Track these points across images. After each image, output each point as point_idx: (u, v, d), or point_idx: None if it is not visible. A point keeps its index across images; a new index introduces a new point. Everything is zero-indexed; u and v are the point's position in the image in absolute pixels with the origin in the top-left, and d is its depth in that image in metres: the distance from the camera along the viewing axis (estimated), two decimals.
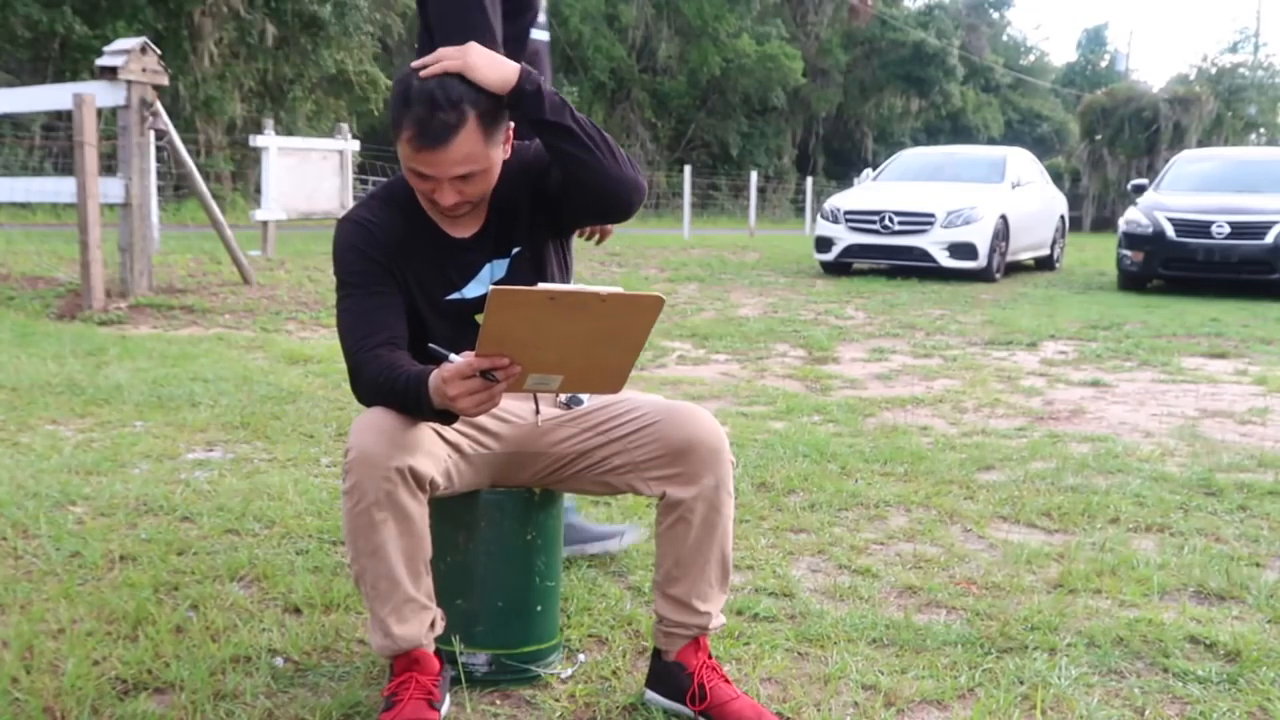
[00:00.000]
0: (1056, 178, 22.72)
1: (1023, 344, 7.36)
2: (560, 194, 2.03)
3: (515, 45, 2.49)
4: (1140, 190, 12.60)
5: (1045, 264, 14.87)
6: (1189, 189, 12.08)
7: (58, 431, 4.10)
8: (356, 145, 11.85)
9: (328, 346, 6.27)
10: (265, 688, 2.09)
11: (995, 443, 4.33)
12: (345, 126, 12.24)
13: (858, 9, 38.04)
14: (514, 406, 2.08)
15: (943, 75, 39.15)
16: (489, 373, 1.68)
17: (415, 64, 1.90)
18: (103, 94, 7.26)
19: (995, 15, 48.07)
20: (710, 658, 2.04)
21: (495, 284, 1.79)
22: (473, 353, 1.69)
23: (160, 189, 12.64)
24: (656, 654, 2.08)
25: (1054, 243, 14.88)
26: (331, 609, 2.48)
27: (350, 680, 2.13)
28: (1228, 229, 11.01)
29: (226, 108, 21.08)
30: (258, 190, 13.24)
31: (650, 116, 33.74)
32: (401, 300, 1.99)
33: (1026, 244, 13.67)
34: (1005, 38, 50.58)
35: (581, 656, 2.27)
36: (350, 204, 11.14)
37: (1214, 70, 41.22)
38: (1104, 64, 52.41)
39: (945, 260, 12.09)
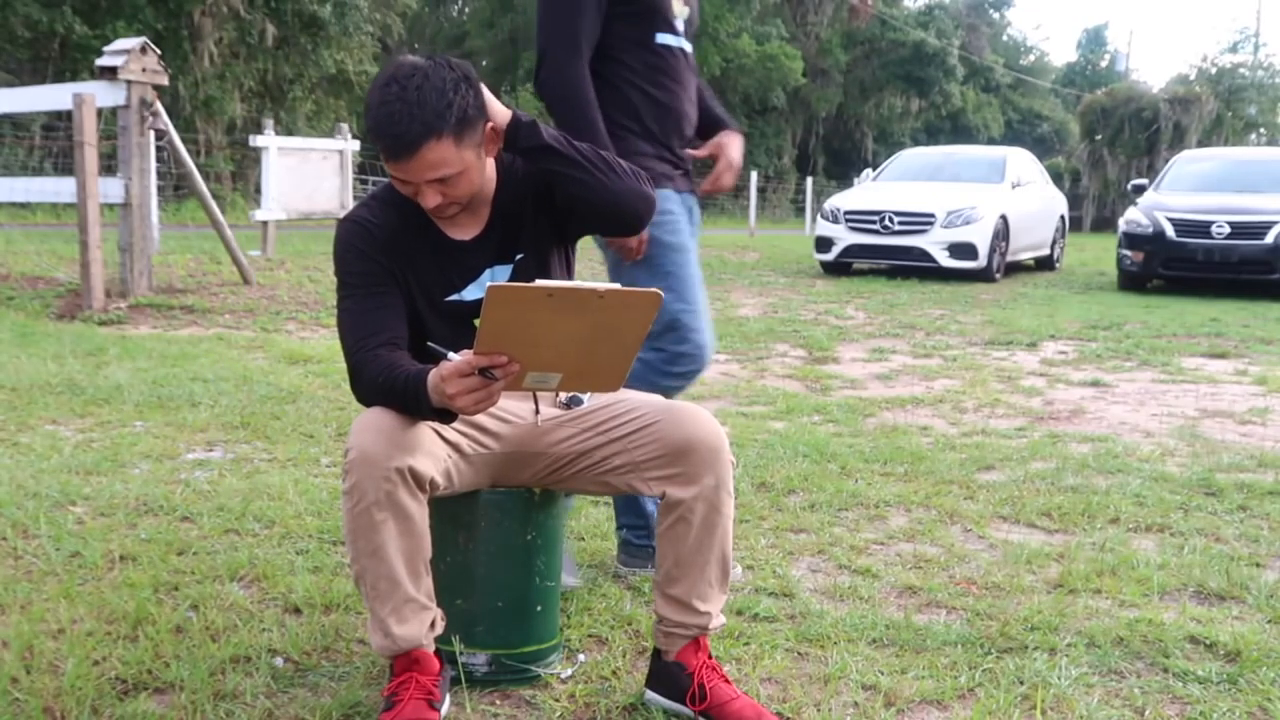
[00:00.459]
0: (1056, 178, 22.74)
1: (1023, 344, 7.36)
2: (567, 209, 2.04)
3: (639, 50, 2.49)
4: (1140, 190, 12.60)
5: (1045, 264, 14.87)
6: (1189, 189, 12.08)
7: (58, 431, 4.10)
8: (356, 145, 11.85)
9: (328, 346, 6.27)
10: (265, 688, 2.09)
11: (995, 443, 4.33)
12: (345, 126, 12.24)
13: (858, 9, 38.04)
14: (514, 406, 2.08)
15: (943, 75, 39.16)
16: (487, 371, 1.68)
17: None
18: (103, 94, 7.26)
19: (995, 15, 48.10)
20: (710, 658, 2.04)
21: None
22: (471, 351, 1.69)
23: (160, 189, 12.64)
24: (656, 654, 2.08)
25: (1054, 243, 14.89)
26: (331, 609, 2.48)
27: (350, 680, 2.13)
28: (1228, 229, 11.01)
29: (226, 108, 21.10)
30: (258, 190, 13.24)
31: None
32: (402, 301, 2.00)
33: (1026, 244, 13.67)
34: (1005, 38, 50.61)
35: (581, 656, 2.27)
36: (350, 204, 11.17)
37: (1214, 70, 41.21)
38: (1104, 64, 52.40)
39: (945, 260, 12.10)
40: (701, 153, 2.71)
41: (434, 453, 1.91)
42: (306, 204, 11.15)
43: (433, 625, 1.94)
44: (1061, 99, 48.85)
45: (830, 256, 12.62)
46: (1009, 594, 2.68)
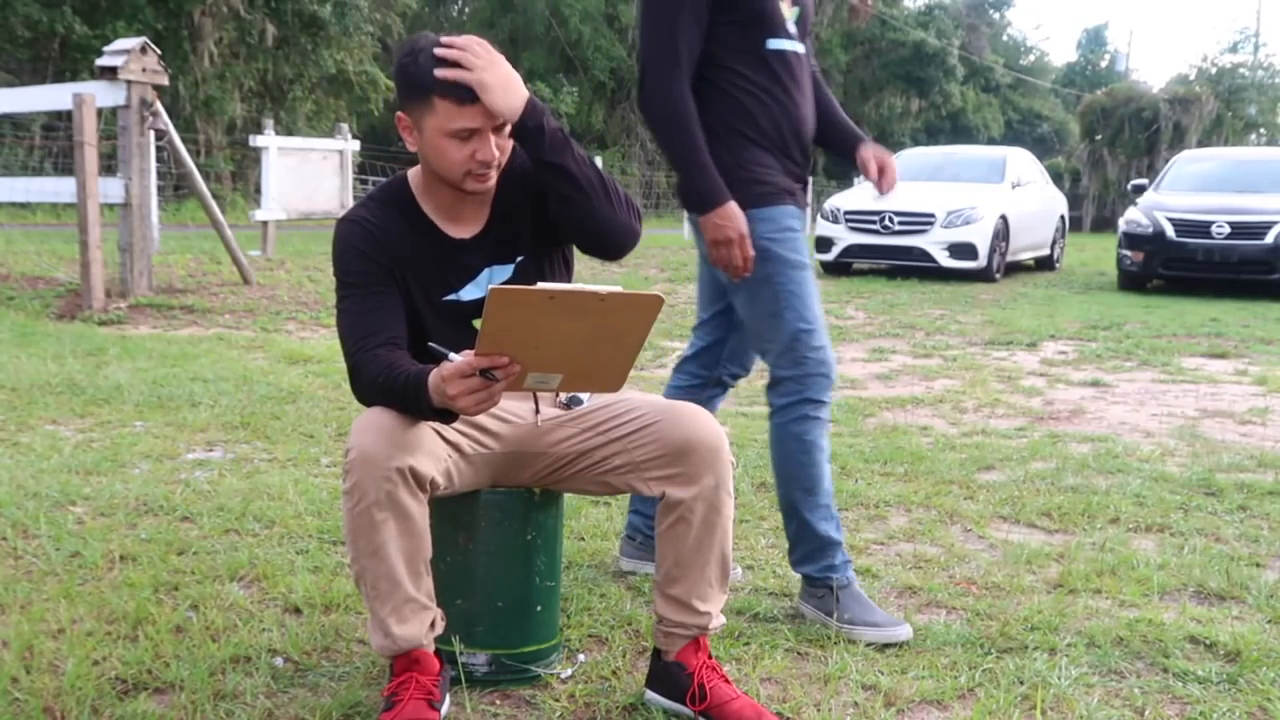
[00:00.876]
0: (1056, 178, 22.73)
1: (1023, 344, 7.36)
2: (556, 220, 2.04)
3: (751, 58, 2.45)
4: (1140, 190, 12.59)
5: (1045, 264, 14.87)
6: (1189, 189, 12.07)
7: (58, 431, 4.10)
8: (356, 145, 11.86)
9: (328, 346, 6.27)
10: (265, 688, 2.09)
11: (995, 443, 4.33)
12: (345, 126, 12.25)
13: (858, 9, 38.02)
14: (514, 406, 2.08)
15: (943, 75, 39.14)
16: (488, 371, 1.68)
17: (443, 41, 1.89)
18: (103, 94, 7.26)
19: (995, 15, 48.07)
20: (710, 658, 2.04)
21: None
22: (472, 351, 1.69)
23: (160, 189, 12.64)
24: (656, 654, 2.08)
25: (1054, 243, 14.88)
26: (331, 609, 2.48)
27: (350, 680, 2.13)
28: (1228, 229, 11.01)
29: (226, 108, 21.10)
30: (258, 190, 13.24)
31: None
32: (401, 300, 2.00)
33: (1026, 244, 13.67)
34: (1005, 38, 50.58)
35: (581, 656, 2.27)
36: (350, 204, 11.15)
37: (1214, 70, 41.19)
38: (1104, 64, 52.37)
39: (945, 260, 12.09)
40: (873, 174, 2.65)
41: (434, 452, 1.91)
42: (306, 204, 11.16)
43: (433, 625, 1.94)
44: (1061, 99, 48.83)
45: (830, 256, 12.62)
46: (1009, 594, 2.68)
